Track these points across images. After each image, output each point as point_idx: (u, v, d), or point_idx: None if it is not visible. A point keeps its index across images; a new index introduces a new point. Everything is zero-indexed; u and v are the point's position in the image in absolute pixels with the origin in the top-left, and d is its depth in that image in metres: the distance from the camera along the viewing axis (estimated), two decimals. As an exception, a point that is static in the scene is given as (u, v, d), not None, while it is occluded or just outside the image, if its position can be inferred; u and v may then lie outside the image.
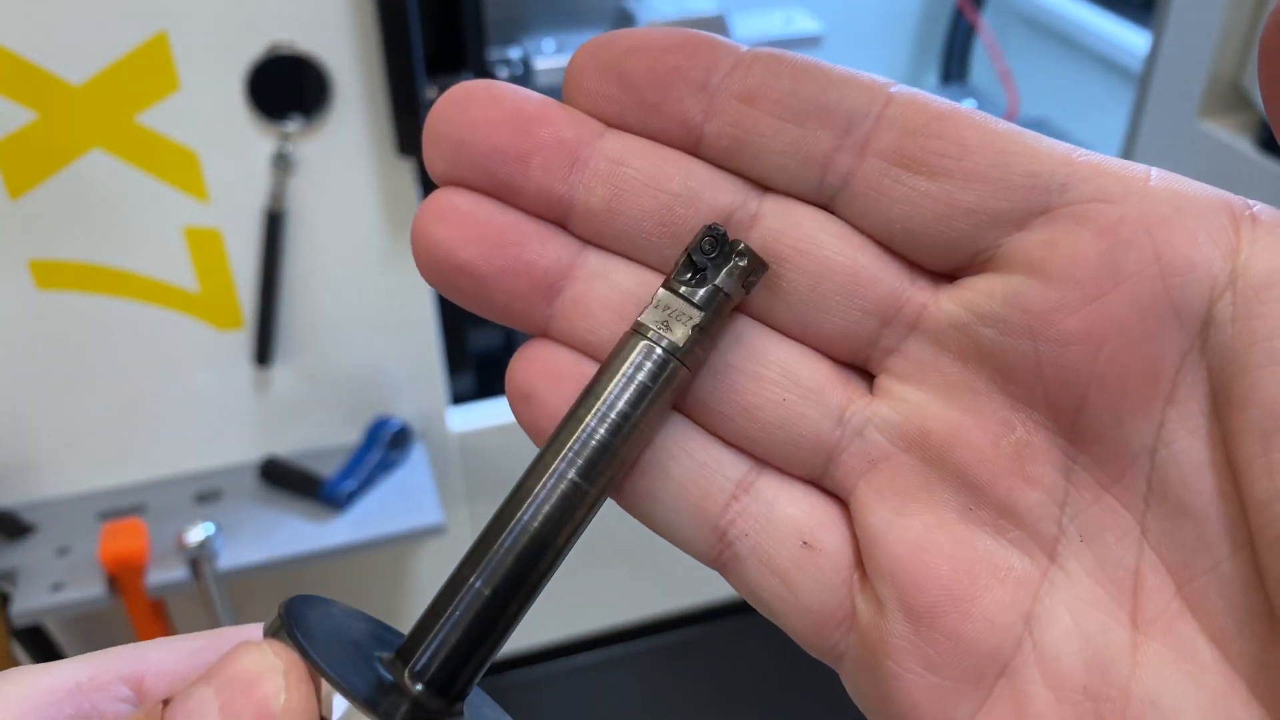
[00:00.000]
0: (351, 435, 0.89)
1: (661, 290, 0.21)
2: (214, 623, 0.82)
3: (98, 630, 0.92)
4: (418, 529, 0.82)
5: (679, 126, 0.19)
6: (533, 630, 1.08)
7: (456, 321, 0.97)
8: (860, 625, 0.20)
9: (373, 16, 0.73)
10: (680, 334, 0.21)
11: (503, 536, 0.21)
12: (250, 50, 0.73)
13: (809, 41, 1.23)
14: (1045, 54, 1.68)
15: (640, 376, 0.21)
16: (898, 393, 0.20)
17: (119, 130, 0.73)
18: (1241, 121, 0.98)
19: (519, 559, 0.21)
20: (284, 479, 0.85)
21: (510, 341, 1.09)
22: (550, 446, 0.21)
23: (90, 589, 0.77)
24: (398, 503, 0.84)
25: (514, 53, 1.16)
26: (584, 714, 1.16)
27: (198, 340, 0.82)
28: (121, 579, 0.78)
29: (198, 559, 0.78)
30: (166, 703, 0.19)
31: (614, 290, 0.21)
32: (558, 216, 0.20)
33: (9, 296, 0.77)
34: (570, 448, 0.21)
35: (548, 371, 0.21)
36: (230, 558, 0.80)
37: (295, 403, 0.87)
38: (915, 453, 0.19)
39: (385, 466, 0.87)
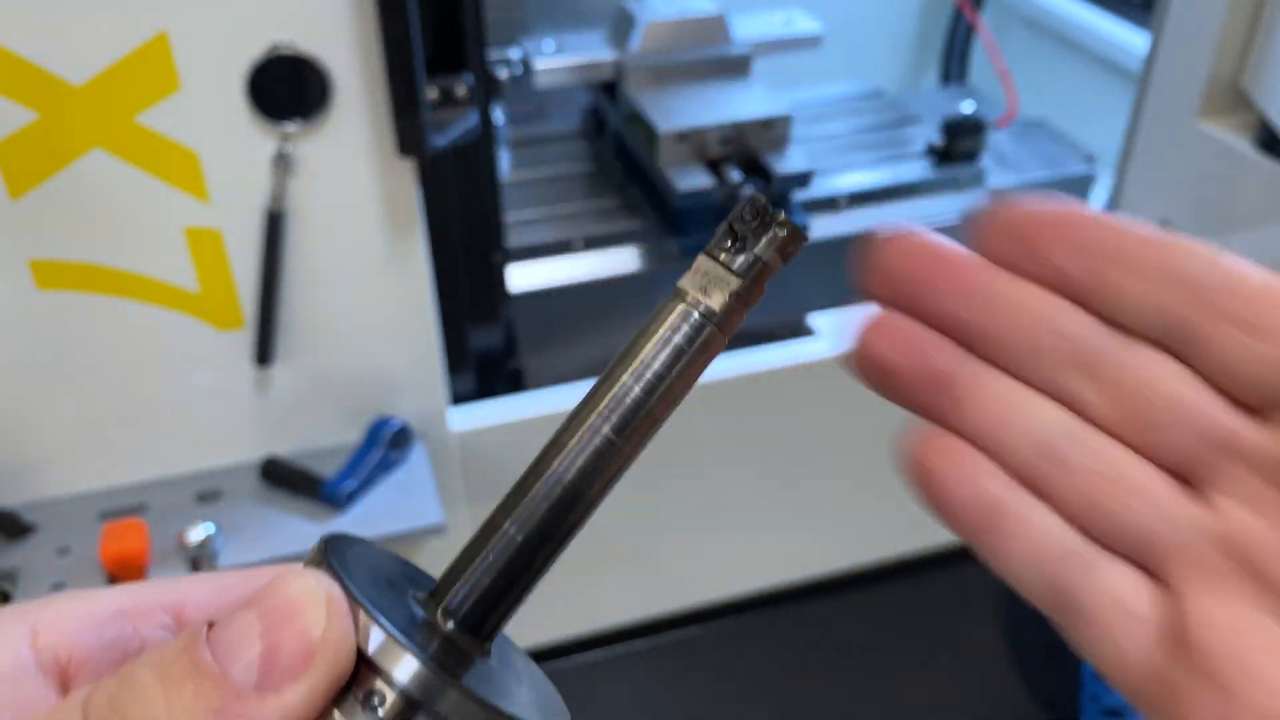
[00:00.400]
0: (352, 435, 0.89)
1: (702, 257, 0.22)
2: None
3: (98, 630, 0.93)
4: (418, 529, 0.82)
5: (1056, 275, 0.24)
6: (532, 629, 1.08)
7: (456, 321, 0.97)
8: (1169, 681, 0.23)
9: (373, 17, 0.73)
10: (718, 300, 0.22)
11: (538, 486, 0.22)
12: (251, 50, 0.73)
13: (809, 42, 1.23)
14: (1044, 54, 1.68)
15: (676, 339, 0.22)
16: (1223, 507, 0.23)
17: (119, 130, 0.73)
18: (1240, 122, 0.98)
19: (552, 508, 0.22)
20: (284, 479, 0.85)
21: (510, 342, 1.10)
22: (587, 403, 0.22)
23: (90, 588, 0.77)
24: (398, 502, 0.84)
25: (514, 53, 1.16)
26: (584, 712, 1.16)
27: (198, 340, 0.82)
28: (122, 578, 0.78)
29: (198, 558, 0.78)
30: (211, 627, 0.21)
31: (995, 389, 0.25)
32: (964, 338, 0.25)
33: (9, 296, 0.77)
34: (607, 405, 0.22)
35: (945, 452, 0.25)
36: (230, 557, 0.80)
37: (295, 402, 0.87)
38: (1235, 559, 0.23)
39: (385, 466, 0.87)
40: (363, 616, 0.20)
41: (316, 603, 0.20)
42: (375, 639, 0.20)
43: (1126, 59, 1.47)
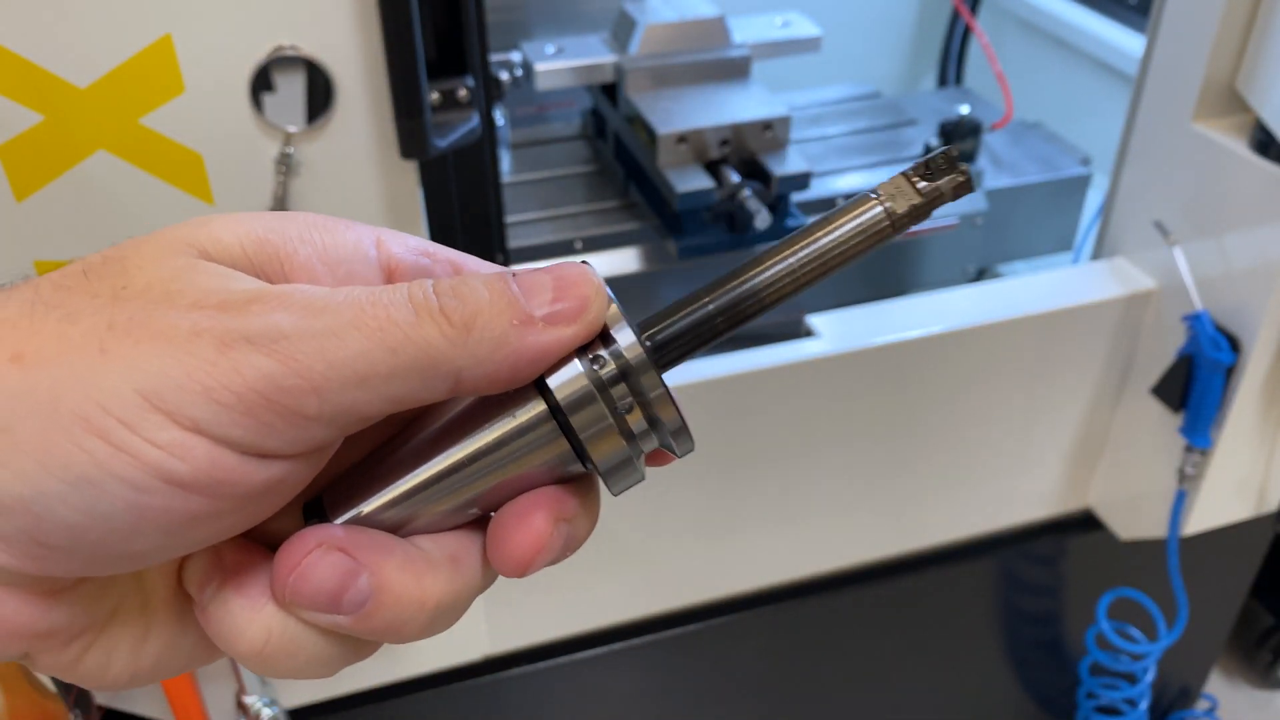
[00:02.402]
0: (354, 435, 0.89)
1: (899, 176, 0.30)
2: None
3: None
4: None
5: None
6: (534, 627, 1.09)
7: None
8: None
9: (376, 21, 0.73)
10: (901, 206, 0.30)
11: (735, 282, 0.30)
12: (254, 53, 0.74)
13: (807, 44, 1.23)
14: (1041, 57, 1.69)
15: (862, 219, 0.30)
16: None
17: (124, 132, 0.74)
18: (1236, 124, 0.98)
19: (739, 298, 0.30)
20: (287, 478, 0.86)
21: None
22: (786, 243, 0.30)
23: (95, 587, 0.78)
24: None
25: (515, 56, 1.17)
26: (584, 709, 1.17)
27: (202, 340, 0.82)
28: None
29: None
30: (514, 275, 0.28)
31: None
32: None
33: (15, 297, 0.77)
34: (801, 246, 0.30)
35: None
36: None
37: (298, 402, 0.87)
38: None
39: (387, 465, 0.87)
40: (611, 305, 0.29)
41: (589, 279, 0.28)
42: (615, 319, 0.29)
43: (1122, 61, 1.48)
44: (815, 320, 1.06)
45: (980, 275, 1.36)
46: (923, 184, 0.30)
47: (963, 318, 1.05)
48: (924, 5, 1.79)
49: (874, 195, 0.30)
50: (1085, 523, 1.24)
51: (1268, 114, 0.92)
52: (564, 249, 1.14)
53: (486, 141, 0.94)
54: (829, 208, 1.23)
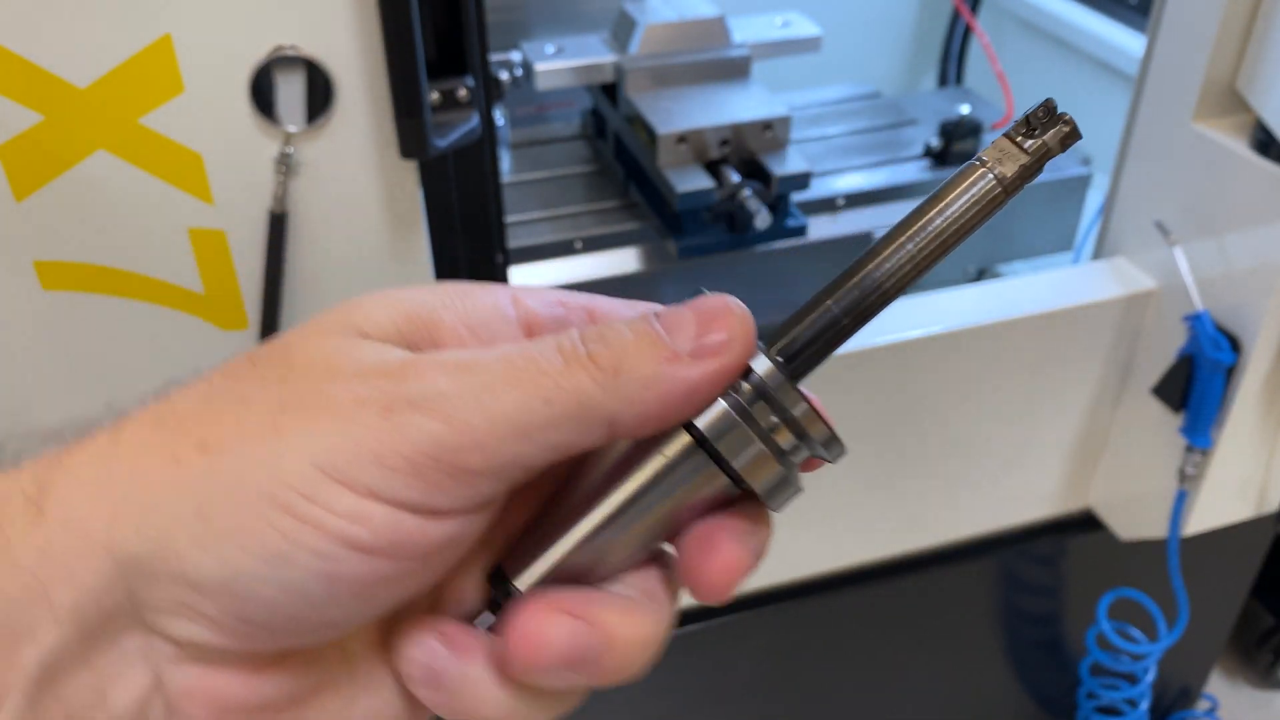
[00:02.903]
0: (354, 435, 0.89)
1: (1002, 138, 0.29)
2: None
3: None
4: (419, 527, 0.83)
5: None
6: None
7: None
8: None
9: (376, 21, 0.73)
10: (1010, 168, 0.29)
11: (854, 279, 0.30)
12: (254, 53, 0.74)
13: (808, 44, 1.23)
14: (1041, 56, 1.69)
15: (974, 190, 0.29)
16: None
17: (123, 132, 0.74)
18: (1236, 124, 0.98)
19: (863, 294, 0.30)
20: (287, 478, 0.86)
21: (511, 342, 1.10)
22: (899, 227, 0.29)
23: (95, 587, 0.78)
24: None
25: (515, 56, 1.17)
26: (584, 709, 1.16)
27: (203, 340, 0.82)
28: (126, 577, 0.78)
29: (202, 557, 0.79)
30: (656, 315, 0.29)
31: None
32: None
33: (14, 297, 0.77)
34: (915, 229, 0.29)
35: None
36: (234, 556, 0.80)
37: (298, 402, 0.87)
38: None
39: (387, 466, 0.87)
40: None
41: (731, 309, 0.29)
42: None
43: (1122, 61, 1.48)
44: (815, 320, 1.06)
45: (980, 275, 1.35)
46: (1029, 142, 0.29)
47: (963, 318, 1.05)
48: (924, 5, 1.79)
49: (981, 162, 0.29)
50: (1085, 523, 1.24)
51: (1268, 114, 0.92)
52: (564, 249, 1.14)
53: (486, 141, 0.94)
54: (829, 208, 1.23)
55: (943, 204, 0.29)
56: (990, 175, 0.29)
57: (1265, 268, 0.95)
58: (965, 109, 1.33)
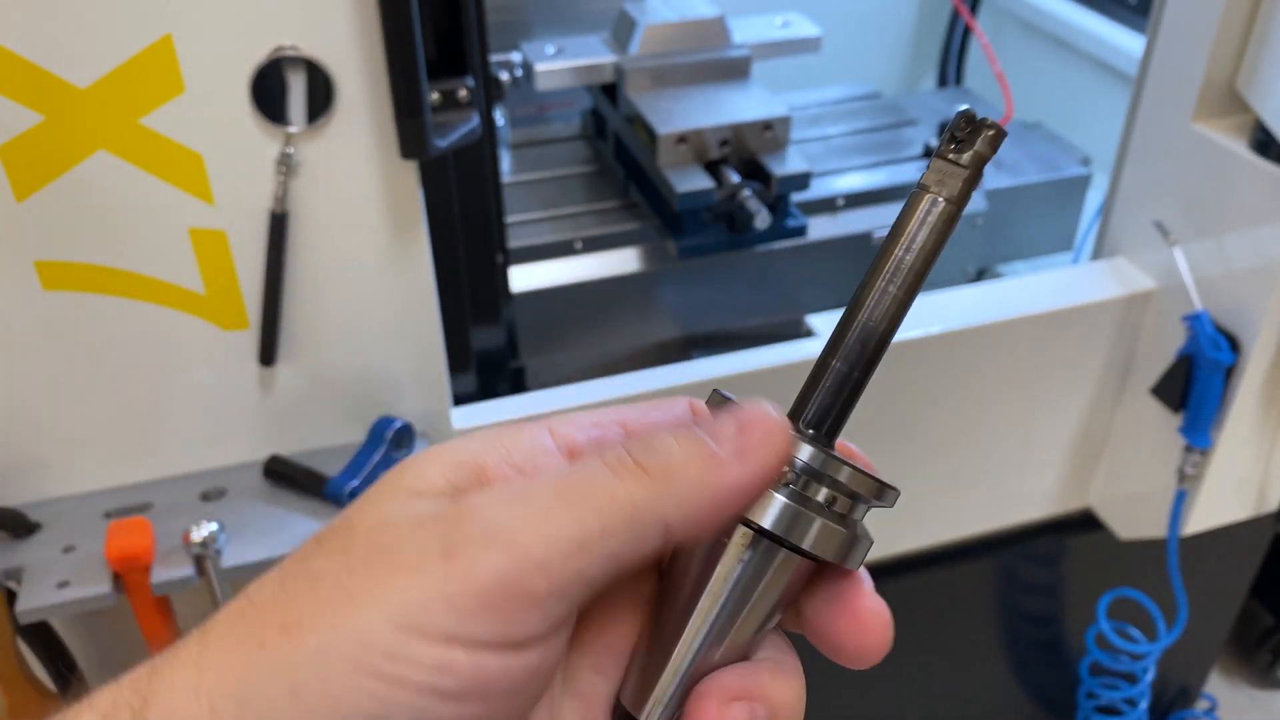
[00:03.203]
0: (355, 434, 0.89)
1: (935, 160, 0.30)
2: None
3: (103, 627, 0.93)
4: (420, 527, 0.83)
5: None
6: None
7: (458, 322, 0.98)
8: None
9: (376, 21, 0.73)
10: (954, 186, 0.30)
11: (851, 332, 0.31)
12: (255, 54, 0.74)
13: (807, 44, 1.23)
14: (1040, 57, 1.69)
15: (929, 218, 0.30)
16: None
17: (124, 132, 0.74)
18: (1236, 124, 0.98)
19: (863, 344, 0.31)
20: (288, 477, 0.86)
21: (511, 342, 1.10)
22: (875, 270, 0.31)
23: (96, 586, 0.78)
24: (400, 501, 0.85)
25: (515, 56, 1.17)
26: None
27: (203, 340, 0.83)
28: (127, 576, 0.78)
29: (202, 556, 0.79)
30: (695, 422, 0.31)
31: None
32: None
33: (16, 297, 0.77)
34: (888, 270, 0.31)
35: None
36: (234, 555, 0.80)
37: (299, 402, 0.87)
38: None
39: (388, 465, 0.87)
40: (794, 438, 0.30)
41: (768, 415, 0.30)
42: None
43: (1122, 61, 1.48)
44: (815, 320, 1.06)
45: (980, 275, 1.36)
46: (963, 155, 0.30)
47: (963, 318, 1.05)
48: (924, 5, 1.79)
49: (925, 188, 0.31)
50: (1085, 523, 1.24)
51: (1268, 114, 0.92)
52: (564, 249, 1.14)
53: (486, 142, 0.94)
54: (829, 208, 1.24)
55: (907, 239, 0.31)
56: (940, 199, 0.30)
57: (1265, 268, 0.95)
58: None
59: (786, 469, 0.30)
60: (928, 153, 1.28)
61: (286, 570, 0.28)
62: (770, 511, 0.30)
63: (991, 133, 0.30)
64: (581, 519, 0.27)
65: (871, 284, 0.31)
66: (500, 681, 0.27)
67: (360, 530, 0.28)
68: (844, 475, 0.31)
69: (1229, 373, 1.00)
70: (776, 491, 0.30)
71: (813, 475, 0.31)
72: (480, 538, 0.27)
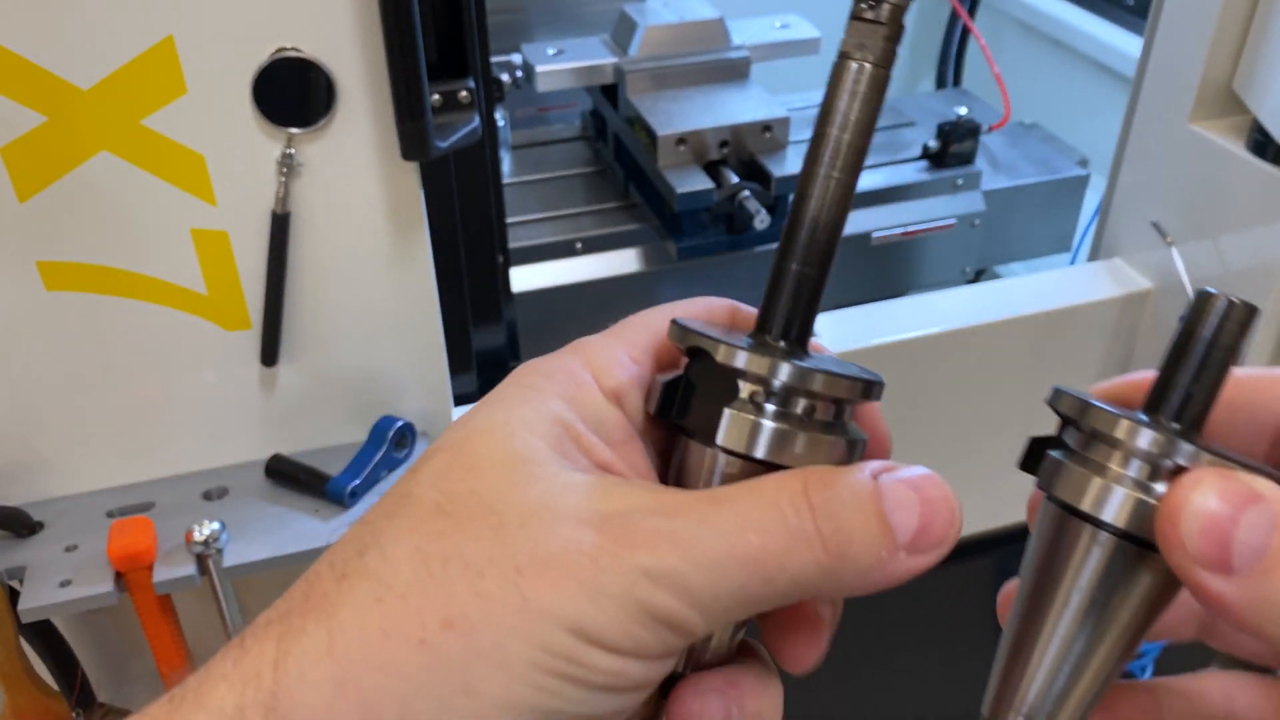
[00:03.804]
0: (356, 434, 0.90)
1: (851, 21, 0.29)
2: (221, 619, 0.83)
3: (105, 626, 0.93)
4: (421, 526, 0.83)
5: None
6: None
7: (459, 322, 0.98)
8: None
9: (377, 23, 0.74)
10: (876, 47, 0.29)
11: (803, 230, 0.29)
12: (256, 55, 0.74)
13: (807, 46, 1.24)
14: (1038, 58, 1.69)
15: (858, 88, 0.29)
16: None
17: (126, 133, 0.74)
18: (1233, 125, 0.99)
19: (816, 239, 0.29)
20: (289, 476, 0.86)
21: (512, 342, 1.11)
22: (814, 158, 0.29)
23: (98, 585, 0.78)
24: (401, 500, 0.85)
25: (515, 58, 1.17)
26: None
27: (205, 340, 0.83)
28: (129, 575, 0.78)
29: (204, 555, 0.79)
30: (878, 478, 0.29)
31: None
32: None
33: (18, 298, 0.78)
34: (828, 155, 0.29)
35: None
36: (237, 554, 0.81)
37: (301, 402, 0.88)
38: None
39: (389, 465, 0.88)
40: (735, 351, 0.29)
41: (951, 502, 0.29)
42: (741, 358, 0.29)
43: (1119, 62, 1.49)
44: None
45: (978, 276, 1.36)
46: (881, 8, 0.29)
47: (961, 318, 1.05)
48: (922, 7, 1.80)
49: (848, 56, 0.29)
50: (1083, 522, 1.24)
51: (1265, 115, 0.93)
52: (564, 249, 1.14)
53: (487, 143, 0.94)
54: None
55: (841, 116, 0.29)
56: (866, 64, 0.29)
57: (1262, 268, 0.95)
58: (963, 110, 1.33)
59: (752, 385, 0.29)
60: (926, 153, 1.29)
61: (422, 546, 0.27)
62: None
63: None
64: (749, 584, 0.27)
65: (814, 172, 0.29)
66: (651, 684, 0.29)
67: (511, 513, 0.27)
68: (819, 386, 0.29)
69: (1226, 372, 1.00)
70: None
71: (788, 393, 0.29)
72: (660, 577, 0.27)
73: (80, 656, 0.90)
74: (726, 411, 0.29)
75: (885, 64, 0.29)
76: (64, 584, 0.78)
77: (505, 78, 1.16)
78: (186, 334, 0.82)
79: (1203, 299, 0.28)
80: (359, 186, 0.80)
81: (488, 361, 1.07)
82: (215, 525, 0.79)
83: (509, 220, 1.09)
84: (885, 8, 0.28)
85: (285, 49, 0.74)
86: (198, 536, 0.78)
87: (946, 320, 1.05)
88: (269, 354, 0.84)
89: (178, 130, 0.75)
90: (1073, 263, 1.31)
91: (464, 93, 0.82)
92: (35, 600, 0.77)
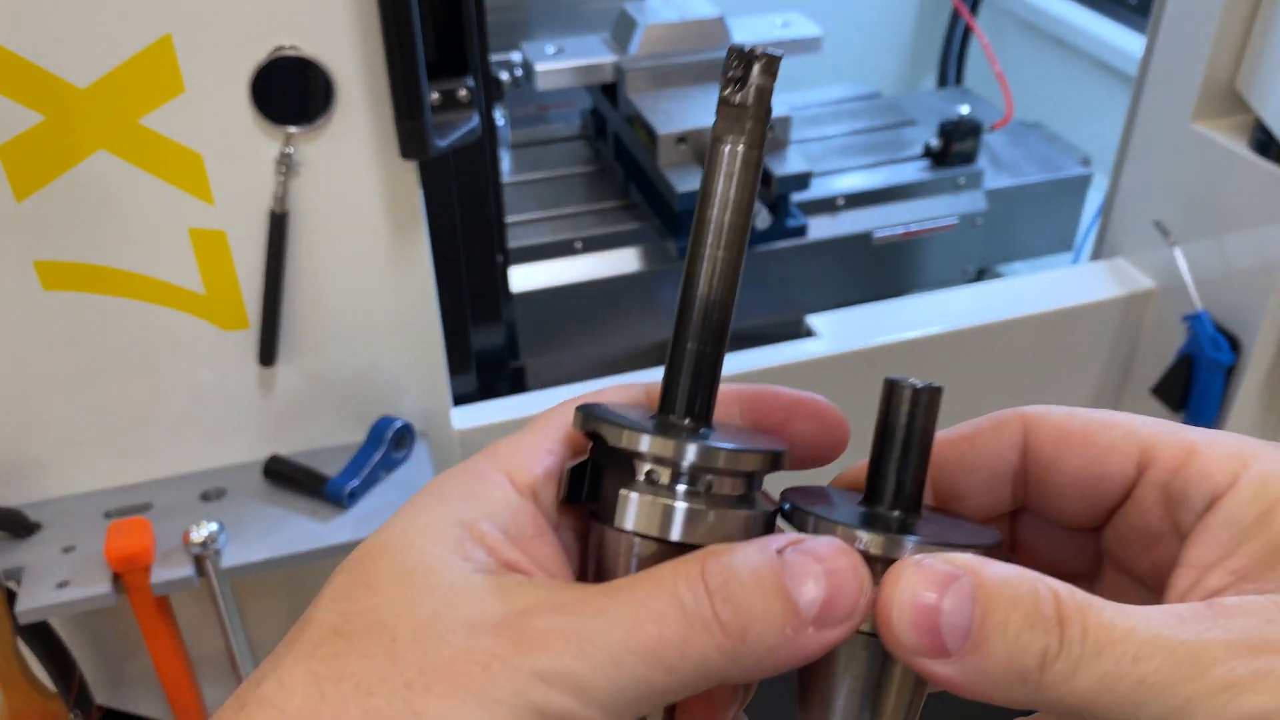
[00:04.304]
0: (355, 434, 0.89)
1: (720, 105, 0.29)
2: (219, 620, 0.83)
3: (103, 627, 0.93)
4: (420, 527, 0.83)
5: None
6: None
7: (458, 321, 0.98)
8: None
9: (376, 21, 0.73)
10: (744, 128, 0.29)
11: (696, 310, 0.30)
12: (254, 53, 0.74)
13: (808, 45, 1.23)
14: (1041, 57, 1.69)
15: (734, 171, 0.29)
16: None
17: (124, 132, 0.74)
18: (1235, 124, 0.98)
19: (709, 319, 0.30)
20: (288, 477, 0.86)
21: (511, 341, 1.10)
22: (698, 239, 0.30)
23: (95, 587, 0.78)
24: (400, 501, 0.85)
25: (515, 56, 1.17)
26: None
27: (203, 340, 0.83)
28: (126, 577, 0.78)
29: (202, 557, 0.79)
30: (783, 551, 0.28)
31: None
32: None
33: (15, 297, 0.78)
34: (712, 236, 0.30)
35: None
36: (234, 555, 0.80)
37: (299, 402, 0.87)
38: None
39: (388, 465, 0.87)
40: (631, 433, 0.29)
41: (857, 566, 0.28)
42: (633, 438, 0.29)
43: (1122, 61, 1.48)
44: (815, 320, 1.06)
45: (980, 275, 1.36)
46: (747, 91, 0.29)
47: (963, 318, 1.05)
48: (924, 5, 1.79)
49: (720, 140, 0.29)
50: (1085, 523, 1.24)
51: (1267, 114, 0.92)
52: (564, 249, 1.14)
53: (486, 142, 0.94)
54: (829, 208, 1.24)
55: (720, 198, 0.30)
56: (739, 148, 0.29)
57: (1265, 267, 0.95)
58: (965, 109, 1.33)
59: (653, 466, 0.29)
60: (928, 152, 1.28)
61: (316, 669, 0.27)
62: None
63: (763, 61, 0.29)
64: (649, 677, 0.27)
65: (699, 253, 0.30)
66: None
67: (404, 627, 0.27)
68: (723, 464, 0.29)
69: (1229, 373, 1.00)
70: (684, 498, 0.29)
71: (694, 472, 0.29)
72: (553, 676, 0.26)
73: (78, 658, 0.90)
74: (628, 494, 0.29)
75: (756, 145, 0.29)
76: (61, 585, 0.78)
77: (505, 76, 1.16)
78: (184, 334, 0.82)
79: (891, 389, 0.31)
80: (358, 186, 0.80)
81: (487, 361, 1.06)
82: (213, 526, 0.79)
83: (509, 220, 1.08)
84: (751, 90, 0.29)
85: (284, 47, 0.74)
86: (195, 537, 0.78)
87: (948, 320, 1.04)
88: (267, 354, 0.83)
89: (175, 129, 0.75)
90: (1075, 262, 1.31)
91: (463, 91, 0.82)
92: (33, 601, 0.77)
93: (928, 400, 0.30)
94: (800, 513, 0.30)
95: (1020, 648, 0.26)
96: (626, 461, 0.29)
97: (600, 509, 0.30)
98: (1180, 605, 0.26)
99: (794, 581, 0.27)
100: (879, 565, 0.28)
